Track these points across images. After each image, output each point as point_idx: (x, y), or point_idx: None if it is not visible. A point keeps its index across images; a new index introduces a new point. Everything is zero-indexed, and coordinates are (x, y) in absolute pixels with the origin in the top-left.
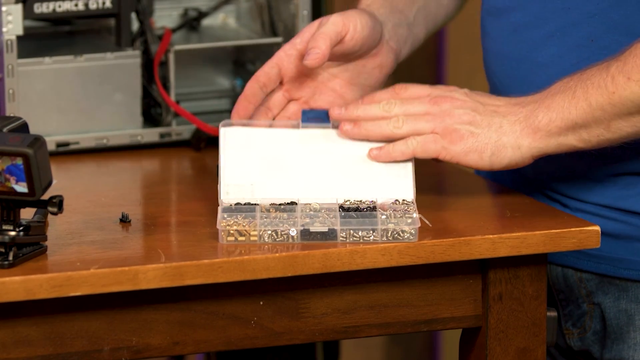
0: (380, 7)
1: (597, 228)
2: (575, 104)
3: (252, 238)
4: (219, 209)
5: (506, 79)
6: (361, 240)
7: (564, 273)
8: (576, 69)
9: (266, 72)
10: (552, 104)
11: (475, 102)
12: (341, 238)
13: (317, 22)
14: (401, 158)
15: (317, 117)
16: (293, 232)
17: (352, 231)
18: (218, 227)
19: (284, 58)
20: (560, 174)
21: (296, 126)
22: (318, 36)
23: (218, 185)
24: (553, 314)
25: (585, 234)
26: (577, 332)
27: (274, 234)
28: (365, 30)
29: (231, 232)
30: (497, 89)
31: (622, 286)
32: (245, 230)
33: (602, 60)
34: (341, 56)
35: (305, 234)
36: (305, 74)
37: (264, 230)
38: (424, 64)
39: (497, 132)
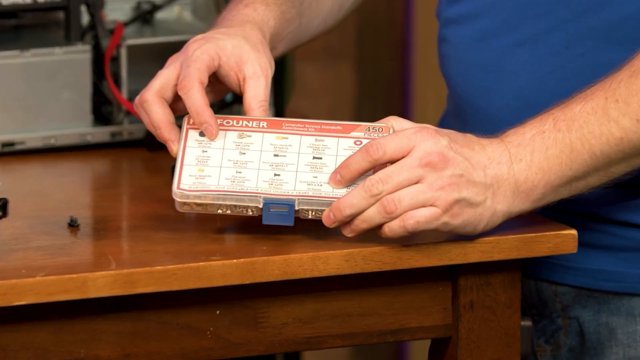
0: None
1: (574, 232)
2: (576, 158)
3: (209, 208)
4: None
5: (471, 89)
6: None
7: (537, 287)
8: (551, 77)
9: None
10: (546, 164)
11: (464, 162)
12: (303, 213)
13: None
14: (397, 237)
15: (280, 205)
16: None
17: (313, 211)
18: (174, 197)
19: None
20: None
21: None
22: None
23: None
24: (527, 323)
25: (561, 238)
26: (550, 348)
27: (233, 207)
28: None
29: (187, 202)
30: (460, 99)
31: (602, 299)
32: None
33: (581, 98)
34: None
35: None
36: None
37: (222, 204)
38: (390, 59)
39: (492, 200)
